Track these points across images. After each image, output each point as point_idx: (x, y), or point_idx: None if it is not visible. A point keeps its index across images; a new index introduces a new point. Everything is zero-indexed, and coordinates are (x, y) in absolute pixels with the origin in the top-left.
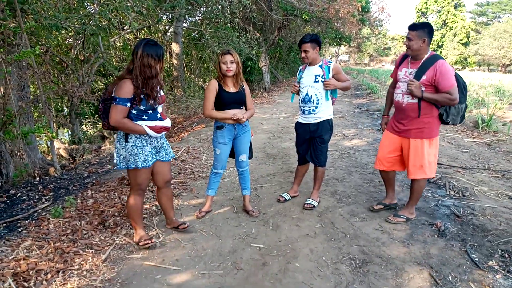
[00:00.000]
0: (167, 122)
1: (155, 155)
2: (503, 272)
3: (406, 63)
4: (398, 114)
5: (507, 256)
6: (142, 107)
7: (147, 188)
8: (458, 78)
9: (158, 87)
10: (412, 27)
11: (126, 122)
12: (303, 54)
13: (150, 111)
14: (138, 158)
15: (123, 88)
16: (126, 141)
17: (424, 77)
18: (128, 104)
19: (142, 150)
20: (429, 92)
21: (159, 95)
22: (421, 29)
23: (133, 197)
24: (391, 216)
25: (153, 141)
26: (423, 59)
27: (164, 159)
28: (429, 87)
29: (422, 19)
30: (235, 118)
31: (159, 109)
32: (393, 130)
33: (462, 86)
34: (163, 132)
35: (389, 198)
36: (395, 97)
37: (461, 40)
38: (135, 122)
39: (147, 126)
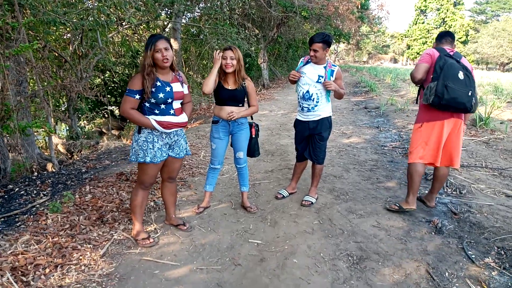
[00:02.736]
0: (181, 118)
1: (166, 152)
2: (499, 269)
3: None
4: None
5: (503, 253)
6: (153, 101)
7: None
8: (438, 59)
9: (153, 80)
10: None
11: (133, 113)
12: (312, 53)
13: (163, 106)
14: (148, 153)
15: (132, 80)
16: (139, 133)
17: None
18: (137, 96)
19: (152, 145)
20: None
21: (149, 89)
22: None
23: (136, 191)
24: (392, 204)
25: (165, 137)
26: None
27: (177, 155)
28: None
29: (421, 17)
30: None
31: (175, 105)
32: None
33: (437, 66)
34: (174, 129)
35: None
36: None
37: (460, 38)
38: (147, 116)
39: (155, 120)
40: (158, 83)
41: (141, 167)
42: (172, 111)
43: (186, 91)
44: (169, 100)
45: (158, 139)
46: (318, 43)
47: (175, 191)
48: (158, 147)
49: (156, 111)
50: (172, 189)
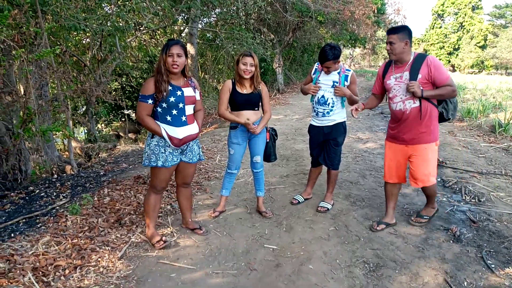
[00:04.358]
0: (192, 129)
1: (177, 156)
2: None
3: (391, 71)
4: (400, 124)
5: None
6: (164, 105)
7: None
8: None
9: (164, 83)
10: (392, 31)
11: (148, 120)
12: (325, 69)
13: (174, 111)
14: (160, 157)
15: (144, 85)
16: (152, 137)
17: (419, 76)
18: (150, 101)
19: (164, 149)
20: (429, 90)
21: (164, 90)
22: (402, 31)
23: (149, 194)
24: (414, 217)
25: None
26: (410, 60)
27: (190, 160)
28: (427, 85)
29: (439, 21)
30: (248, 127)
31: (187, 110)
32: (397, 141)
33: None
34: (186, 143)
35: (389, 217)
36: (394, 108)
37: (478, 43)
38: (159, 122)
39: (167, 133)
40: (170, 87)
41: (153, 171)
42: (184, 118)
43: (198, 97)
44: (181, 105)
45: (169, 144)
46: (329, 61)
47: (190, 195)
48: (169, 151)
49: (168, 117)
50: (187, 193)
